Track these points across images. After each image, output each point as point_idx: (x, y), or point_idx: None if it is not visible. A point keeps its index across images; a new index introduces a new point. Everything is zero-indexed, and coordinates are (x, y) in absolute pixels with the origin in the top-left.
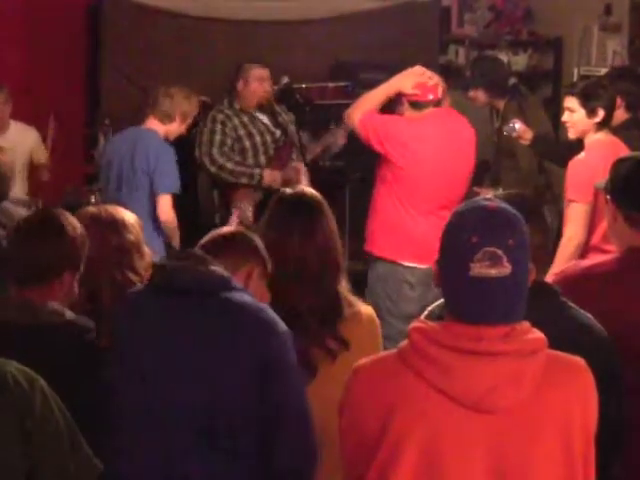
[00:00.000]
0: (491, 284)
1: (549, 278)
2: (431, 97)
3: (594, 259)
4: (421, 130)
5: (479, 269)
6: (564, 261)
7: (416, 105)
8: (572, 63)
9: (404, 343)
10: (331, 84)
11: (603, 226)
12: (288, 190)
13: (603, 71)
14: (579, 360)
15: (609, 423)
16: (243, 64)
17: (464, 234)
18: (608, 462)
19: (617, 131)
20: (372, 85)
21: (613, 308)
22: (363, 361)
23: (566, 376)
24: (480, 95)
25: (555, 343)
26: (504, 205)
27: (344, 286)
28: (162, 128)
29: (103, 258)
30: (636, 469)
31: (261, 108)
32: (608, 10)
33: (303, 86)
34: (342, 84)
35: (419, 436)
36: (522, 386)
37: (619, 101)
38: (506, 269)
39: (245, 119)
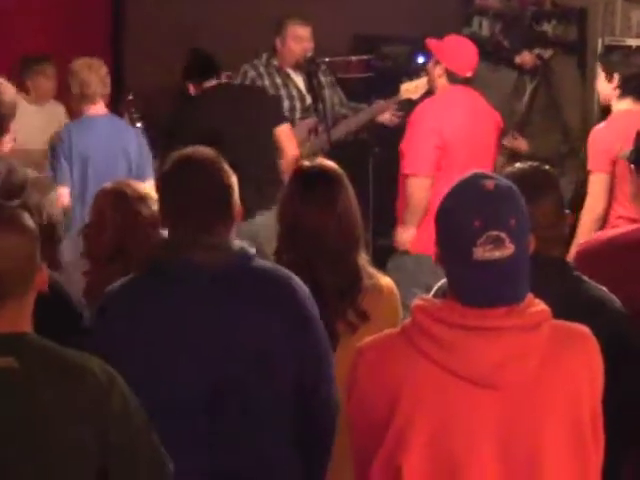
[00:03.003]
0: (495, 266)
1: (573, 249)
2: (469, 75)
3: (617, 230)
4: (450, 107)
5: (482, 253)
6: (586, 232)
7: (453, 77)
8: (596, 33)
9: (407, 321)
10: (354, 57)
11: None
12: (306, 163)
13: (628, 41)
14: (583, 328)
15: (629, 393)
16: (284, 19)
17: (466, 218)
18: (630, 435)
19: None
20: (394, 58)
21: (636, 276)
22: (367, 341)
23: (571, 345)
24: (527, 57)
25: (569, 318)
26: (501, 181)
27: (364, 258)
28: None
29: (135, 234)
30: None
31: (300, 68)
32: None
33: (325, 60)
34: (365, 57)
35: (428, 416)
36: (529, 360)
37: None
38: (509, 250)
39: (278, 80)
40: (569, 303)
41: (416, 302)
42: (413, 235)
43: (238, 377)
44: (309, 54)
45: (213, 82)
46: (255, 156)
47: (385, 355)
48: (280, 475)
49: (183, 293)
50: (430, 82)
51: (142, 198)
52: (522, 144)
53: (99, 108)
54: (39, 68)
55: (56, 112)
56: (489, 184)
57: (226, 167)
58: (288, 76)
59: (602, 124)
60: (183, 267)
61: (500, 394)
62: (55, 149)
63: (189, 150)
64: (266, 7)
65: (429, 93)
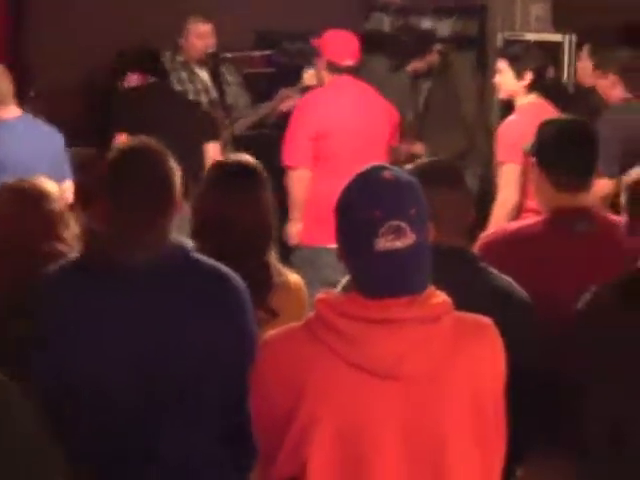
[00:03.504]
0: (397, 256)
1: (478, 241)
2: (350, 63)
3: (521, 222)
4: (330, 99)
5: (384, 243)
6: (498, 223)
7: (333, 68)
8: (496, 29)
9: (311, 315)
10: (256, 53)
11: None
12: (227, 158)
13: (527, 36)
14: (485, 319)
15: (531, 385)
16: (186, 17)
17: (366, 209)
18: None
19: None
20: (295, 53)
21: (539, 269)
22: (270, 334)
23: (474, 336)
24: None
25: (475, 308)
26: (399, 173)
27: (273, 255)
28: None
29: (29, 232)
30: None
31: (204, 64)
32: None
33: (228, 55)
34: (266, 52)
35: (332, 409)
36: (431, 351)
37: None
38: (410, 239)
39: (184, 75)
40: (475, 293)
41: (319, 296)
42: (299, 228)
43: (171, 373)
44: (211, 49)
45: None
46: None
47: (289, 349)
48: (207, 472)
49: (117, 288)
50: (317, 77)
51: (40, 194)
52: (418, 147)
53: (12, 110)
54: None
55: None
56: (387, 174)
57: (170, 159)
58: (192, 71)
59: (512, 116)
60: (118, 262)
61: (403, 386)
62: None
63: (133, 141)
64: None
65: None
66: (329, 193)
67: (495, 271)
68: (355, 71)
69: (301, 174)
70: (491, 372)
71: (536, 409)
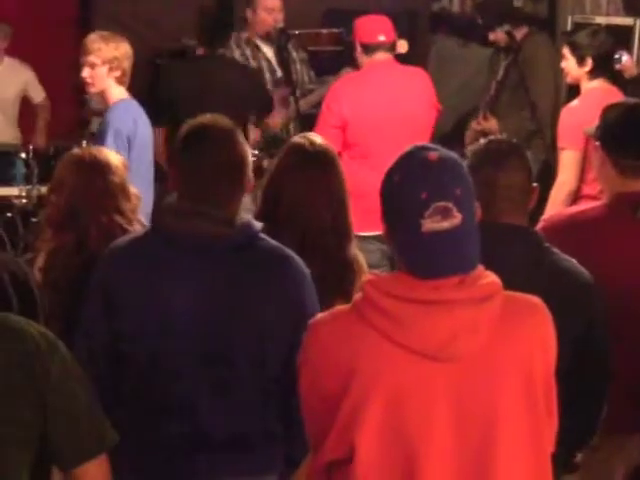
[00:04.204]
0: (444, 237)
1: (539, 224)
2: (382, 38)
3: (582, 205)
4: (359, 86)
5: (431, 224)
6: (555, 207)
7: (367, 48)
8: (567, 11)
9: (358, 296)
10: (325, 30)
11: (594, 174)
12: (299, 139)
13: (598, 19)
14: (535, 299)
15: (597, 369)
16: None
17: (411, 191)
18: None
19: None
20: None
21: (599, 254)
22: (318, 318)
23: (523, 316)
24: (500, 35)
25: (538, 288)
26: (444, 152)
27: (354, 244)
28: None
29: (89, 201)
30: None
31: (269, 40)
32: None
33: (296, 32)
34: (336, 30)
35: (381, 391)
36: (480, 332)
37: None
38: (457, 219)
39: (248, 52)
40: (541, 272)
41: (367, 277)
42: None
43: (230, 347)
44: (280, 25)
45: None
46: None
47: (337, 331)
48: (260, 446)
49: (184, 261)
50: (358, 63)
51: (102, 165)
52: (493, 124)
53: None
54: None
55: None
56: (432, 155)
57: (242, 138)
58: (258, 48)
59: (575, 102)
60: (187, 236)
61: (453, 367)
62: None
63: (205, 119)
64: None
65: (402, 58)
66: (362, 181)
67: (559, 252)
68: (392, 49)
69: None
70: (542, 352)
71: (604, 390)
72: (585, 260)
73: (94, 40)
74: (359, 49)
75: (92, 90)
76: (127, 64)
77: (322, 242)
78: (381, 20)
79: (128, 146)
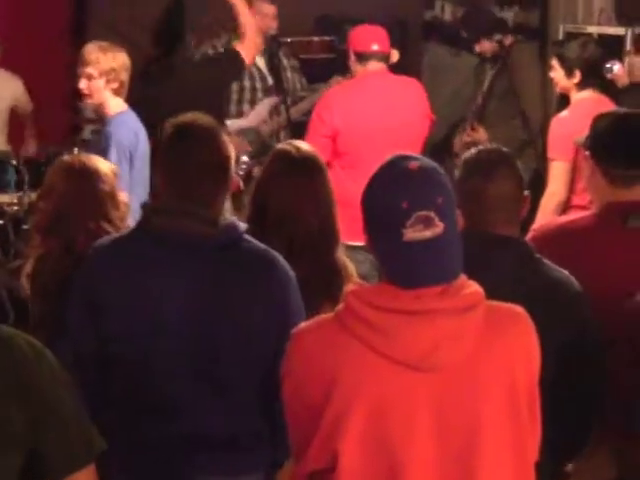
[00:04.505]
0: (426, 246)
1: (529, 234)
2: (376, 48)
3: (572, 215)
4: (351, 95)
5: (412, 233)
6: (545, 217)
7: (360, 57)
8: (558, 20)
9: (341, 306)
10: (316, 38)
11: (584, 184)
12: (285, 145)
13: (589, 29)
14: (517, 308)
15: (593, 376)
16: None
17: (393, 201)
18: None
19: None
20: None
21: (589, 264)
22: (301, 327)
23: (506, 326)
24: (486, 45)
25: (528, 299)
26: (425, 161)
27: (341, 249)
28: None
29: (76, 207)
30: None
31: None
32: None
33: (288, 40)
34: (327, 38)
35: (364, 401)
36: (463, 342)
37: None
38: (439, 228)
39: None
40: (530, 284)
41: (349, 287)
42: None
43: (216, 347)
44: (272, 32)
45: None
46: None
47: (320, 340)
48: (249, 447)
49: (167, 260)
50: (352, 71)
51: (92, 172)
52: (481, 134)
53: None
54: None
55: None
56: (413, 164)
57: (225, 136)
58: None
59: (564, 112)
60: (171, 235)
61: (435, 377)
62: None
63: (188, 117)
64: None
65: (394, 66)
66: (352, 191)
67: (549, 263)
68: (385, 60)
69: None
70: (525, 362)
71: (593, 401)
72: (575, 269)
73: (92, 51)
74: (353, 58)
75: (89, 102)
76: (125, 75)
77: (309, 244)
78: (376, 30)
79: (130, 159)
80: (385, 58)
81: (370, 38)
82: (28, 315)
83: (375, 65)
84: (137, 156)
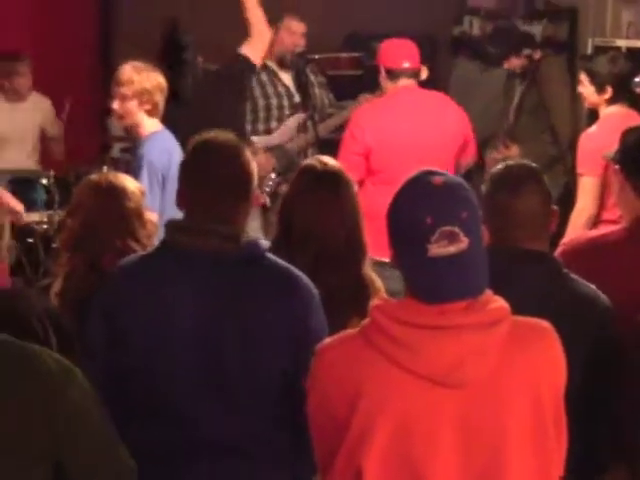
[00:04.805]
0: (451, 261)
1: (558, 249)
2: (407, 65)
3: (602, 229)
4: (382, 113)
5: (437, 249)
6: (575, 232)
7: (391, 74)
8: (587, 34)
9: (366, 321)
10: (344, 54)
11: (614, 199)
12: (311, 161)
13: (618, 42)
14: (543, 322)
15: (611, 394)
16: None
17: (417, 216)
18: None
19: None
20: None
21: (618, 277)
22: (326, 342)
23: (531, 340)
24: (514, 62)
25: (556, 314)
26: (449, 177)
27: (368, 264)
28: None
29: (103, 225)
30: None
31: (285, 65)
32: None
33: (316, 57)
34: (355, 55)
35: (388, 415)
36: (488, 358)
37: None
38: (464, 243)
39: (264, 78)
40: (559, 299)
41: (374, 303)
42: None
43: (233, 363)
44: (299, 50)
45: None
46: None
47: (345, 355)
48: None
49: (190, 278)
50: (381, 87)
51: (119, 190)
52: (514, 151)
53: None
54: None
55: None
56: (437, 180)
57: (247, 153)
58: (275, 74)
59: (593, 127)
60: (194, 252)
61: (460, 392)
62: None
63: (209, 135)
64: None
65: (423, 82)
66: (384, 205)
67: (578, 278)
68: (416, 76)
69: None
70: (550, 377)
71: (620, 417)
72: (604, 283)
73: (126, 72)
74: (383, 74)
75: (123, 123)
76: (159, 96)
77: (336, 258)
78: (407, 46)
79: (162, 180)
80: (416, 74)
81: (401, 55)
82: (73, 344)
83: (405, 82)
84: (169, 177)
